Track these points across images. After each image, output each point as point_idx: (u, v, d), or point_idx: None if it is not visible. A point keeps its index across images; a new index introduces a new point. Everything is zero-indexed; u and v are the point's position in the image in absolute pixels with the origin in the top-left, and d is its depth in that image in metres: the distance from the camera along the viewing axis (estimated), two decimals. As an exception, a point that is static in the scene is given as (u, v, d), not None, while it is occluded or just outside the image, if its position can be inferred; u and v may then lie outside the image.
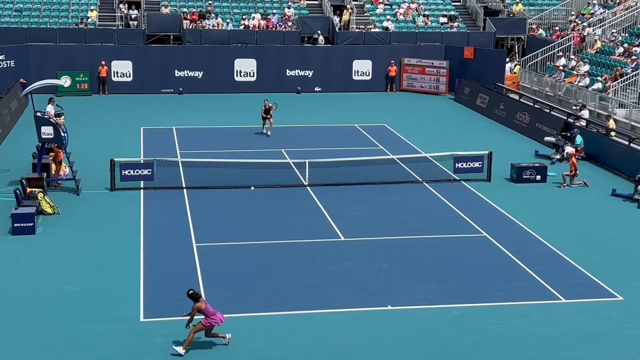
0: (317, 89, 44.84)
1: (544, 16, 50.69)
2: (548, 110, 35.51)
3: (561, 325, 16.79)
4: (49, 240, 21.29)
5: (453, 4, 51.16)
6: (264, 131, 33.76)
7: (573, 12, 50.38)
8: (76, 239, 21.41)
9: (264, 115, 33.59)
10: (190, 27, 45.53)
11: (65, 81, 40.61)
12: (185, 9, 46.99)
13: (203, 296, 16.07)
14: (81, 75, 42.20)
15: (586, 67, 40.71)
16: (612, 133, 31.43)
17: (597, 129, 32.12)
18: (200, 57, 43.80)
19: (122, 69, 43.07)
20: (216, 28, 45.55)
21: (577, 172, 27.25)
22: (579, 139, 30.50)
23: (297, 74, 44.70)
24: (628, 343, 16.11)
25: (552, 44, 45.11)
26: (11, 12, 45.11)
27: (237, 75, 44.19)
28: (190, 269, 19.36)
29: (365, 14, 49.19)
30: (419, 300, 17.88)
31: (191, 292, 15.56)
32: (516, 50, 49.90)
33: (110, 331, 16.10)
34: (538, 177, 27.54)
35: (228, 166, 27.35)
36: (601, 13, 47.17)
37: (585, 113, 34.59)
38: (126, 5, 46.86)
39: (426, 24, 47.95)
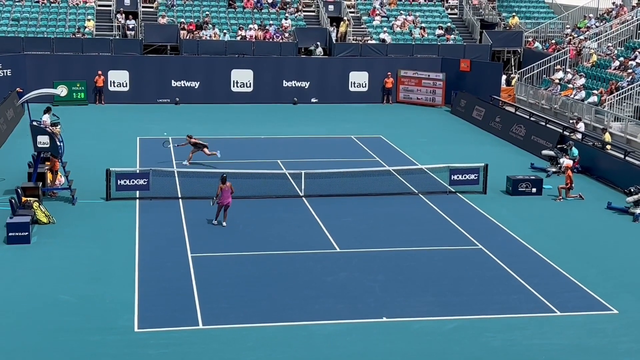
0: (313, 100, 44.89)
1: (540, 29, 50.88)
2: (544, 123, 35.58)
3: (556, 338, 16.78)
4: (44, 249, 21.24)
5: (450, 16, 51.33)
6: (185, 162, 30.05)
7: (569, 26, 50.57)
8: (71, 248, 21.36)
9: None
10: (188, 37, 45.58)
11: (61, 90, 40.73)
12: (182, 20, 47.06)
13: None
14: (78, 85, 42.21)
15: (582, 81, 40.82)
16: (608, 146, 31.50)
17: (592, 142, 32.18)
18: (197, 68, 43.84)
19: (118, 78, 43.09)
20: (213, 39, 45.62)
21: (573, 185, 27.28)
22: (575, 151, 30.54)
23: (293, 85, 44.75)
24: (623, 357, 16.10)
25: (548, 57, 45.25)
26: (8, 21, 45.13)
27: (233, 86, 44.23)
28: (185, 279, 19.32)
29: (362, 26, 49.31)
30: (414, 312, 17.85)
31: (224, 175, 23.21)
32: (512, 63, 50.05)
33: (104, 341, 16.05)
34: (534, 190, 27.57)
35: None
36: (597, 27, 47.35)
37: (581, 126, 34.67)
38: (123, 15, 46.91)
39: (423, 36, 48.07)
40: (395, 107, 44.65)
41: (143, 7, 48.36)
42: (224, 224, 23.39)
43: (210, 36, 45.75)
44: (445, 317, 17.62)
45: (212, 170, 27.82)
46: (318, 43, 46.26)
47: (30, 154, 27.00)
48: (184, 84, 43.69)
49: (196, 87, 43.86)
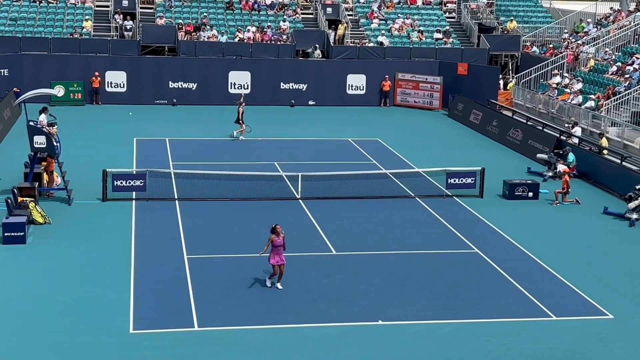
0: (310, 102, 44.89)
1: (538, 34, 50.96)
2: (541, 128, 35.62)
3: (551, 342, 16.78)
4: (40, 250, 21.21)
5: (448, 20, 51.39)
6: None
7: (567, 30, 50.65)
8: (67, 249, 21.33)
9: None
10: (185, 38, 45.58)
11: (58, 91, 40.67)
12: (180, 21, 47.07)
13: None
14: (75, 85, 42.15)
15: (579, 85, 40.87)
16: (605, 151, 31.53)
17: (589, 147, 32.22)
18: (195, 69, 43.82)
19: (116, 79, 43.05)
20: (211, 40, 45.61)
21: (569, 189, 27.30)
22: (571, 157, 30.54)
23: (291, 87, 44.75)
24: (618, 362, 16.12)
25: (546, 62, 45.31)
26: (6, 21, 45.10)
27: (231, 88, 44.21)
28: (181, 281, 19.30)
29: (360, 29, 49.34)
30: (409, 315, 17.86)
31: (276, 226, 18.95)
32: (510, 67, 50.11)
33: (99, 343, 16.03)
34: (530, 194, 27.58)
35: (220, 178, 27.31)
36: (595, 32, 47.41)
37: (577, 130, 34.70)
38: (121, 15, 46.91)
39: (420, 39, 48.12)
40: (392, 110, 44.67)
41: (141, 7, 48.37)
42: (279, 286, 19.19)
43: (208, 37, 45.76)
44: (441, 321, 17.62)
45: (209, 172, 27.76)
46: (316, 45, 46.29)
47: (27, 154, 27.00)
48: (181, 85, 43.66)
49: (193, 89, 43.82)
